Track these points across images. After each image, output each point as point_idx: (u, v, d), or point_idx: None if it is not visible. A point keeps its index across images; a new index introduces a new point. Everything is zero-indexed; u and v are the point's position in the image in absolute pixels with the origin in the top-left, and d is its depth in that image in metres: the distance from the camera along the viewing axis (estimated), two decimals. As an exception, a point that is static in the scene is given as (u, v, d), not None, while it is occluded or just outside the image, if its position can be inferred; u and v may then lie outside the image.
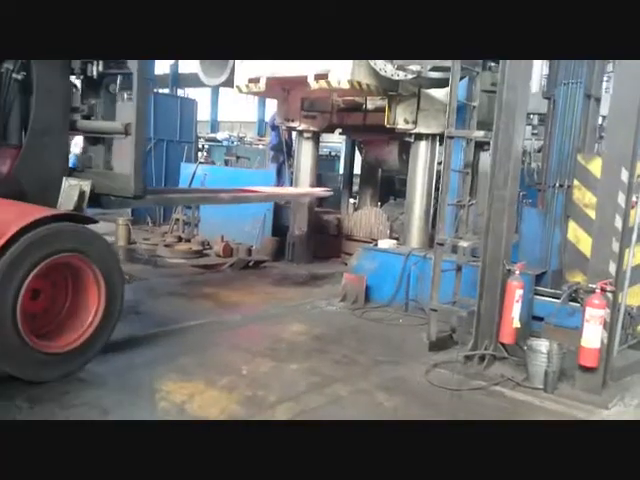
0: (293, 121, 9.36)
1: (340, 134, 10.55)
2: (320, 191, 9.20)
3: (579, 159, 6.73)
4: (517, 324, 5.02)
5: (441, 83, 7.58)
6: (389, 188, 11.40)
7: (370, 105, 9.09)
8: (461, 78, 5.45)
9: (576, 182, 6.74)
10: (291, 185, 10.29)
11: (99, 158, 5.67)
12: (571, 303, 6.24)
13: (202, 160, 15.99)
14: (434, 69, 6.34)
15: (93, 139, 5.76)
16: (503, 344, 5.14)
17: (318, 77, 7.38)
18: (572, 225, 6.78)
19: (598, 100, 7.08)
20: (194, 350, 5.18)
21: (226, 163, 14.26)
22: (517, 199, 5.30)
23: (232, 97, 25.53)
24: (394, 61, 6.54)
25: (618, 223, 4.50)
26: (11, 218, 4.04)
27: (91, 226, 4.61)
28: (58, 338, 4.38)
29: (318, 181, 10.43)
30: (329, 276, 8.86)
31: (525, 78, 4.98)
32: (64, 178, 4.96)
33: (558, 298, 6.34)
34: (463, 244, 5.20)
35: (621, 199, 4.50)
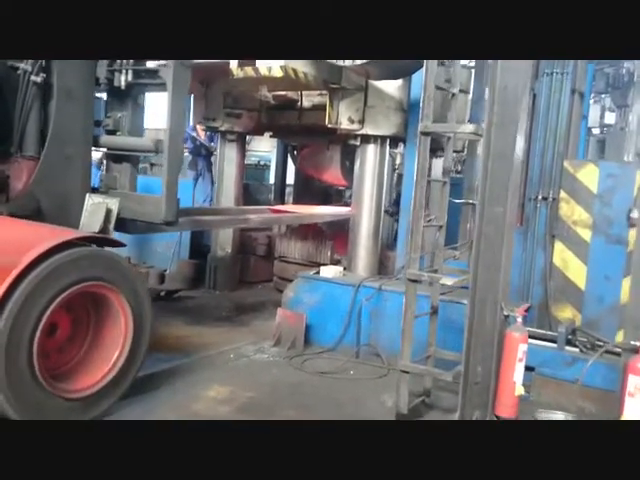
0: (214, 120, 7.74)
1: (271, 137, 8.99)
2: None
3: (566, 166, 5.51)
4: (520, 391, 3.65)
5: (393, 73, 6.24)
6: (328, 200, 9.96)
7: (306, 102, 7.61)
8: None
9: (563, 194, 5.52)
10: (212, 197, 8.68)
11: (125, 178, 5.22)
12: (568, 348, 5.00)
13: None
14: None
15: (118, 157, 5.26)
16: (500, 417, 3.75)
17: (243, 64, 5.84)
18: (559, 246, 5.55)
19: (582, 95, 5.93)
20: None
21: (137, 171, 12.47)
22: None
23: (158, 101, 23.51)
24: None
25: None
26: (29, 241, 3.56)
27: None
28: (77, 380, 3.81)
29: (245, 192, 8.89)
30: (259, 307, 7.32)
31: (527, 53, 3.63)
32: (87, 195, 4.43)
33: (549, 340, 5.09)
34: (446, 281, 3.78)
35: (672, 220, 3.21)
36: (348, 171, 7.66)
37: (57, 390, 3.59)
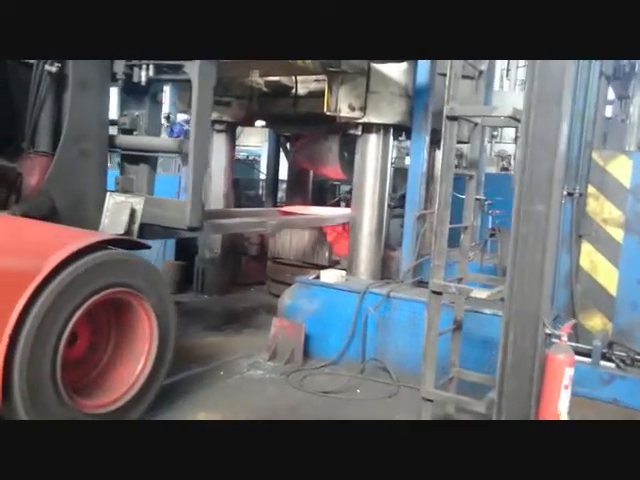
0: (201, 109, 7.12)
1: (263, 127, 8.36)
2: None
3: (595, 158, 4.97)
4: (566, 423, 3.08)
5: (399, 56, 5.65)
6: (323, 196, 9.36)
7: (302, 89, 6.99)
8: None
9: (591, 189, 4.97)
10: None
11: (142, 180, 4.91)
12: (603, 364, 4.45)
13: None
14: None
15: (134, 158, 4.92)
16: (541, 453, 3.18)
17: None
18: (586, 248, 5.00)
19: (608, 79, 5.38)
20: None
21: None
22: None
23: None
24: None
25: None
26: (52, 244, 3.32)
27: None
28: (99, 395, 3.57)
29: (235, 187, 8.26)
30: (251, 313, 6.71)
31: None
32: (108, 194, 4.23)
33: (581, 354, 4.53)
34: (479, 294, 3.18)
35: None
36: (347, 164, 7.05)
37: (79, 405, 3.36)
